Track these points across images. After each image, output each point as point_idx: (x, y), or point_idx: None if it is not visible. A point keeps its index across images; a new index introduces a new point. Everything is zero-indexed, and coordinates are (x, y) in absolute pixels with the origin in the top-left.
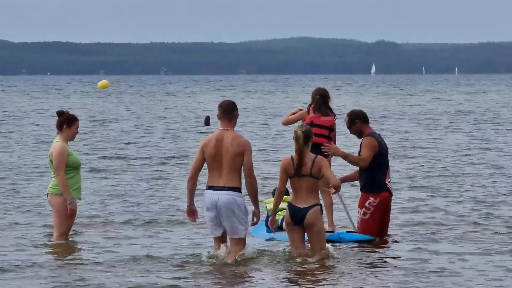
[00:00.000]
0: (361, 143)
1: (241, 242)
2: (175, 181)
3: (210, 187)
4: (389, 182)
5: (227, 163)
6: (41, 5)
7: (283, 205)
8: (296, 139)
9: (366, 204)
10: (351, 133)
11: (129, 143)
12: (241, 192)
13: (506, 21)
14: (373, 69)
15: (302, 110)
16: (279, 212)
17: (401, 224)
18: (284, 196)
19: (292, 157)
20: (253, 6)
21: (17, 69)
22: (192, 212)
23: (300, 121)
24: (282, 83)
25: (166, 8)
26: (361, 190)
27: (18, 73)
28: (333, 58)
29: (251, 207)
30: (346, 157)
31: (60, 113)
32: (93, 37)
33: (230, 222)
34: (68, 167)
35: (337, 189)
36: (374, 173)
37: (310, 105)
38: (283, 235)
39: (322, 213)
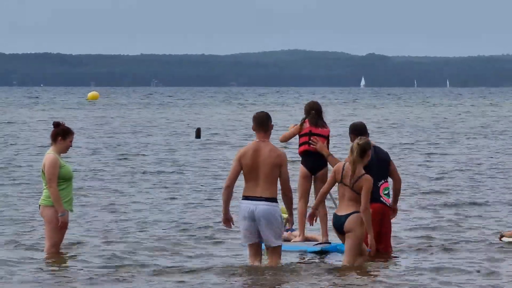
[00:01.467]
0: None
1: (278, 250)
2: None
3: (246, 197)
4: (385, 194)
5: (264, 174)
6: (32, 16)
7: None
8: (351, 150)
9: None
10: None
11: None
12: (277, 202)
13: (495, 35)
14: (362, 82)
15: (296, 125)
16: None
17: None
18: None
19: (344, 164)
20: (244, 18)
21: (8, 80)
22: (227, 220)
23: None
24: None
25: (157, 19)
26: None
27: (9, 84)
28: (323, 71)
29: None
30: (328, 156)
31: (57, 124)
32: (84, 48)
33: (267, 231)
34: (61, 179)
35: (365, 213)
36: None
37: (304, 119)
38: None
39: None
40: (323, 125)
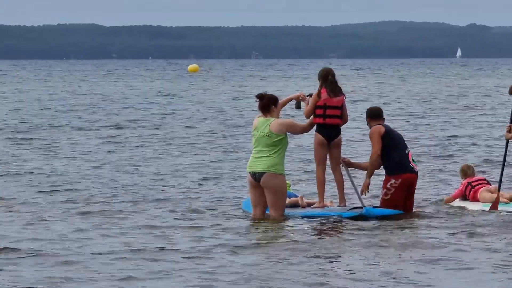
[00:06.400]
0: None
1: None
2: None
3: None
4: (413, 161)
5: None
6: None
7: None
8: None
9: (388, 185)
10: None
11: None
12: None
13: None
14: (458, 53)
15: (310, 94)
16: None
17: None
18: None
19: None
20: None
21: (108, 53)
22: None
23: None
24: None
25: None
26: (385, 172)
27: (108, 57)
28: (422, 42)
29: None
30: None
31: (261, 96)
32: (184, 21)
33: None
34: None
35: None
36: (389, 155)
37: (321, 87)
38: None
39: None
40: (340, 91)
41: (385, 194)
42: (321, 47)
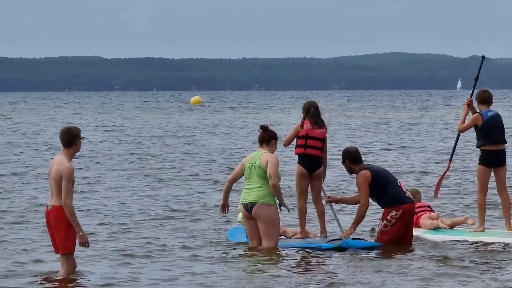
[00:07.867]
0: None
1: None
2: None
3: None
4: (407, 190)
5: None
6: (133, 21)
7: None
8: None
9: (388, 217)
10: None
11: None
12: None
13: None
14: (459, 84)
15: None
16: None
17: None
18: None
19: None
20: (347, 21)
21: (110, 85)
22: None
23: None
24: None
25: (258, 23)
26: (382, 207)
27: (111, 89)
28: (424, 73)
29: None
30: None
31: (265, 128)
32: (186, 53)
33: None
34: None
35: None
36: (385, 192)
37: (304, 119)
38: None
39: None
40: (322, 124)
41: (385, 226)
42: (323, 79)
